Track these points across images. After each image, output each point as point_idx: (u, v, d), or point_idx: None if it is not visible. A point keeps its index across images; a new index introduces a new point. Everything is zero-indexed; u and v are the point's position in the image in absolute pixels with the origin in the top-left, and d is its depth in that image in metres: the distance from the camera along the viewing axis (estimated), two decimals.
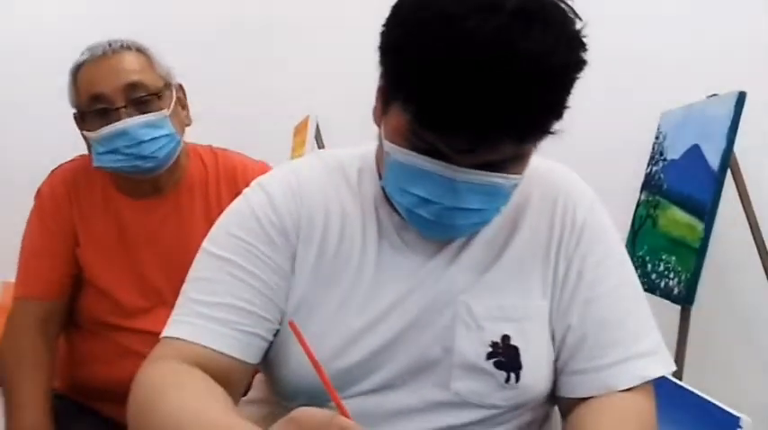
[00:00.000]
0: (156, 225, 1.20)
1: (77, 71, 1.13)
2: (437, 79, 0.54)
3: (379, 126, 0.68)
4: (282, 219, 0.70)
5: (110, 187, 1.20)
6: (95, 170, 1.16)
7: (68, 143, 1.27)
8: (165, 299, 1.19)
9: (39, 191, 1.22)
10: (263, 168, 1.31)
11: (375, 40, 0.61)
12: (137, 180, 1.17)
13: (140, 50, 1.16)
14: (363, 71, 0.75)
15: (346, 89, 2.34)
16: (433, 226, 0.64)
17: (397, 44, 0.58)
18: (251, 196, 0.73)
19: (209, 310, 0.67)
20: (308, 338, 0.55)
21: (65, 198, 1.19)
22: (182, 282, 1.22)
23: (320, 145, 2.15)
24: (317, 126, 2.11)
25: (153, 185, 1.19)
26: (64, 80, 1.16)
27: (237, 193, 1.25)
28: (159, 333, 1.21)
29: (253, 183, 0.75)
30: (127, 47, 1.14)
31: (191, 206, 1.22)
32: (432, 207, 0.62)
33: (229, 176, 1.25)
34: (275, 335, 0.71)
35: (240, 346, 0.67)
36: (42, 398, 1.10)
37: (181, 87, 1.22)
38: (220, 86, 2.31)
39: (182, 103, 1.21)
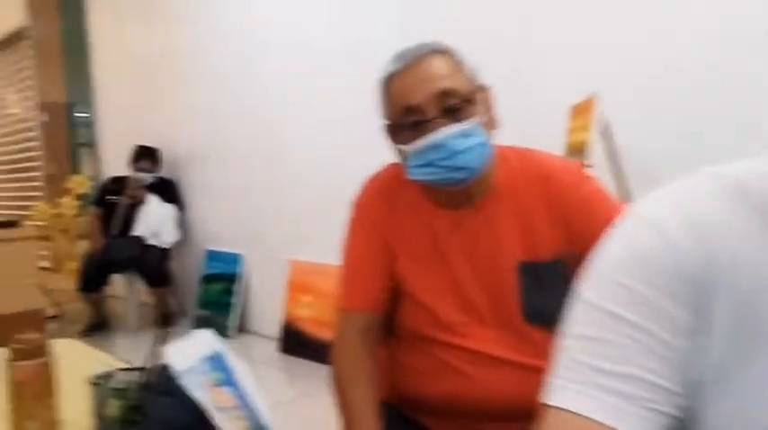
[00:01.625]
0: (468, 236, 1.14)
1: (389, 81, 1.10)
2: None
3: None
4: (682, 264, 0.57)
5: (422, 197, 1.17)
6: (407, 179, 1.14)
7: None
8: (480, 315, 1.14)
9: (356, 201, 1.23)
10: (577, 169, 1.18)
11: None
12: (449, 191, 1.12)
13: (447, 53, 1.10)
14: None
15: (630, 63, 2.11)
16: None
17: None
18: (637, 233, 0.59)
19: (614, 382, 0.56)
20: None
21: (382, 208, 1.18)
22: (496, 297, 1.17)
23: (604, 132, 1.96)
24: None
25: (464, 195, 1.13)
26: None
27: (551, 199, 1.17)
28: (477, 350, 1.19)
29: (635, 215, 0.61)
30: (434, 50, 1.09)
31: (501, 215, 1.14)
32: None
33: (540, 179, 1.14)
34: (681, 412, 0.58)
35: (649, 428, 0.55)
36: (376, 411, 1.11)
37: (486, 87, 1.14)
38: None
39: (488, 105, 1.13)
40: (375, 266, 1.17)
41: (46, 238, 4.67)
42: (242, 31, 3.75)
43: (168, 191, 4.26)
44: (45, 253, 4.73)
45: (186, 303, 4.34)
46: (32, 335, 0.96)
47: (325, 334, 3.24)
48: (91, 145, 5.29)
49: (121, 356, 3.04)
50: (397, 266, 1.17)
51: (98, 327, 4.07)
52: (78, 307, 4.23)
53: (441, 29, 2.59)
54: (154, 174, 4.24)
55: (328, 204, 3.33)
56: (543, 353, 1.10)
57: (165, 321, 4.15)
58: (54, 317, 4.29)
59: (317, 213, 3.41)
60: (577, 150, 1.96)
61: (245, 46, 3.74)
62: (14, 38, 6.16)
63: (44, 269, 4.50)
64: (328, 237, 3.45)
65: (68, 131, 5.78)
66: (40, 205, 4.84)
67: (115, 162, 4.97)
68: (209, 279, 4.11)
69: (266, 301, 3.78)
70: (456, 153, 1.04)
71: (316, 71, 3.32)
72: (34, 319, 3.55)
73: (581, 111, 2.03)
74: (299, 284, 3.52)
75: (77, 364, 1.22)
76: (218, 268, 4.08)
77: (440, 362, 1.14)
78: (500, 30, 2.49)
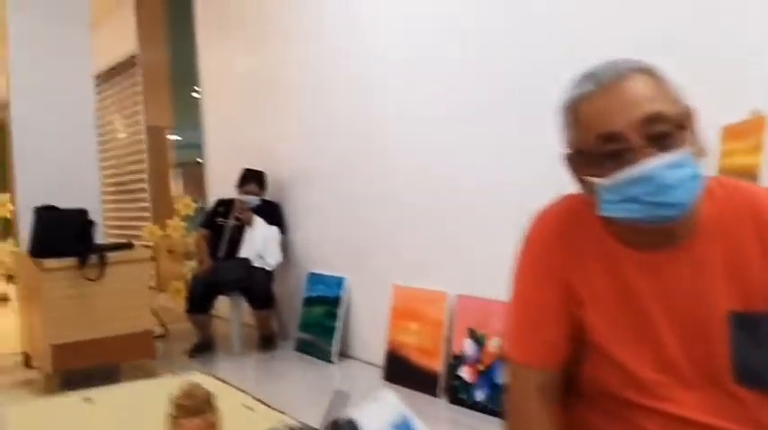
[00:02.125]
0: (667, 282, 0.98)
1: (578, 104, 0.96)
2: None
3: None
4: None
5: (606, 235, 1.02)
6: (588, 214, 1.00)
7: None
8: (682, 374, 0.98)
9: (528, 237, 1.10)
10: None
11: None
12: (647, 230, 0.97)
13: (650, 71, 0.95)
14: None
15: None
16: None
17: None
18: None
19: None
20: None
21: (560, 248, 1.05)
22: (701, 354, 0.95)
23: None
24: None
25: (665, 234, 0.97)
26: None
27: (766, 237, 1.00)
28: (679, 416, 1.01)
29: None
30: (636, 69, 0.94)
31: (708, 256, 0.98)
32: None
33: (752, 214, 0.97)
34: None
35: None
36: None
37: (693, 110, 0.98)
38: None
39: (696, 131, 0.98)
40: (554, 315, 1.04)
41: (152, 259, 4.80)
42: (351, 48, 3.72)
43: (272, 213, 4.28)
44: (152, 273, 4.86)
45: (288, 326, 4.32)
46: (197, 389, 0.88)
47: (431, 363, 3.12)
48: (197, 168, 5.43)
49: (227, 378, 3.03)
50: (582, 315, 1.03)
51: (203, 349, 4.11)
52: (184, 327, 4.29)
53: (574, 34, 2.46)
54: (260, 196, 4.27)
55: (436, 229, 3.22)
56: (756, 419, 0.94)
57: (268, 344, 4.14)
58: (160, 336, 4.36)
59: (423, 238, 3.30)
60: (739, 175, 1.76)
61: (353, 63, 3.71)
62: (126, 65, 6.45)
63: (150, 288, 4.61)
64: (436, 263, 3.39)
65: (175, 155, 5.97)
66: (149, 226, 4.99)
67: (221, 184, 5.07)
68: (311, 302, 4.07)
69: (369, 326, 3.69)
70: (666, 187, 0.90)
71: (431, 87, 3.22)
72: (144, 340, 3.61)
73: (742, 131, 1.83)
74: (403, 310, 3.41)
75: (240, 419, 1.14)
76: (320, 291, 4.04)
77: (635, 428, 0.98)
78: (642, 37, 2.31)
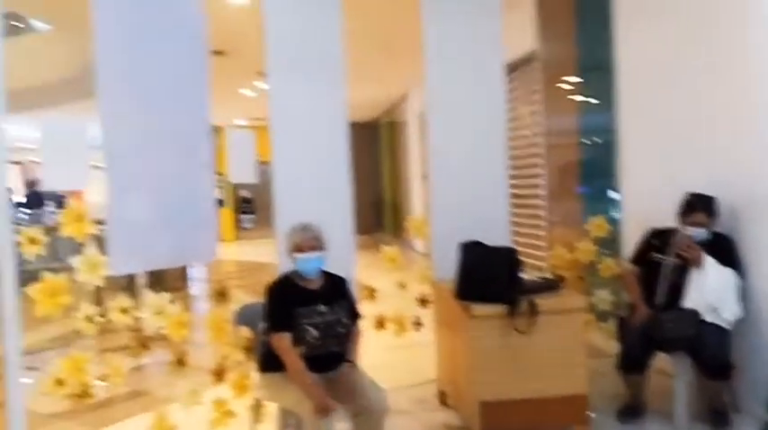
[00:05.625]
0: None
1: None
2: None
3: None
4: None
5: None
6: None
7: None
8: None
9: None
10: None
11: None
12: None
13: None
14: None
15: None
16: None
17: None
18: None
19: None
20: None
21: None
22: None
23: None
24: None
25: None
26: None
27: None
28: None
29: None
30: None
31: None
32: None
33: None
34: None
35: None
36: None
37: None
38: None
39: None
40: None
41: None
42: None
43: (725, 250, 3.34)
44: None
45: (747, 398, 3.35)
46: None
47: None
48: (610, 180, 4.69)
49: None
50: None
51: (632, 412, 3.42)
52: (610, 382, 3.62)
53: None
54: (709, 228, 3.37)
55: None
56: None
57: (719, 420, 3.25)
58: None
59: None
60: None
61: None
62: (523, 62, 6.07)
63: None
64: None
65: (579, 163, 5.34)
66: (557, 249, 4.45)
67: (639, 205, 4.27)
68: None
69: None
70: None
71: None
72: (576, 405, 3.06)
73: None
74: None
75: None
76: None
77: None
78: None
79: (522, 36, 5.78)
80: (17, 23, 5.90)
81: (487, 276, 3.11)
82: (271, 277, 3.02)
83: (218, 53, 6.66)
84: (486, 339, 3.01)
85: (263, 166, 3.61)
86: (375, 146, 14.86)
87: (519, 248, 3.70)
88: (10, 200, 2.11)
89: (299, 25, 3.61)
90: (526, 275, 3.41)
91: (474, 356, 3.02)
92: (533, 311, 3.03)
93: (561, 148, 5.62)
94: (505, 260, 3.15)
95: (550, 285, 3.31)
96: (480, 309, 3.03)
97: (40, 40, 6.31)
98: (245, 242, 14.51)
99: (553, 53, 5.68)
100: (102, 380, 2.83)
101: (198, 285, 8.00)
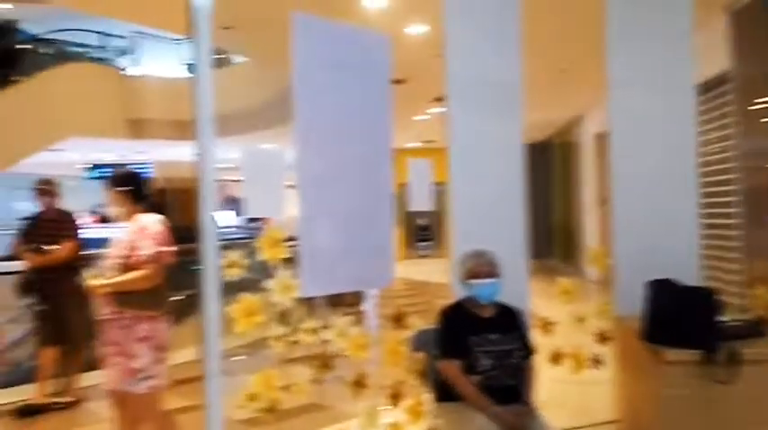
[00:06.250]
0: None
1: None
2: None
3: None
4: None
5: None
6: None
7: None
8: None
9: None
10: None
11: None
12: None
13: None
14: None
15: None
16: None
17: None
18: None
19: None
20: None
21: None
22: None
23: None
24: None
25: None
26: None
27: None
28: None
29: None
30: None
31: None
32: None
33: None
34: None
35: None
36: None
37: None
38: None
39: None
40: None
41: None
42: None
43: None
44: None
45: None
46: None
47: None
48: None
49: None
50: None
51: None
52: None
53: None
54: None
55: None
56: None
57: None
58: None
59: None
60: None
61: None
62: (713, 83, 5.61)
63: None
64: None
65: None
66: (760, 291, 4.00)
67: None
68: None
69: None
70: None
71: None
72: None
73: None
74: None
75: None
76: None
77: None
78: None
79: (714, 55, 5.36)
80: (219, 56, 6.48)
81: (682, 319, 2.87)
82: (438, 296, 3.01)
83: (397, 82, 6.86)
84: (678, 388, 2.77)
85: (437, 187, 3.69)
86: (546, 167, 14.43)
87: (707, 283, 3.39)
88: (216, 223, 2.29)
89: (479, 51, 3.61)
90: (725, 317, 3.11)
91: (664, 406, 2.79)
92: (735, 359, 2.74)
93: (758, 172, 5.11)
94: (703, 302, 2.89)
95: (754, 330, 2.99)
96: (674, 354, 2.80)
97: (238, 71, 6.91)
98: (412, 261, 14.74)
99: (749, 72, 5.21)
100: (285, 390, 2.97)
101: (370, 301, 8.25)
